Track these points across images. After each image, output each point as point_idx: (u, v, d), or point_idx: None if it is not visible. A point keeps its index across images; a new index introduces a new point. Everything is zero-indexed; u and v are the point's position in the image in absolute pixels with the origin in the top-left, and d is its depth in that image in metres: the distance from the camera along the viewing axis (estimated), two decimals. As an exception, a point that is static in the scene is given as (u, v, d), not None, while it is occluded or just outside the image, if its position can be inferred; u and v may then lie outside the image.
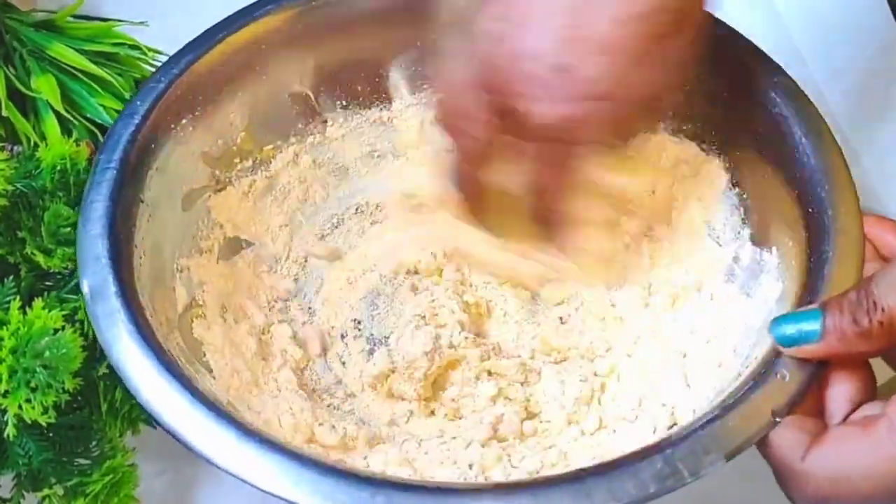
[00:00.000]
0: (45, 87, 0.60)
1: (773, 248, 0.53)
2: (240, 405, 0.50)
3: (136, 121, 0.53)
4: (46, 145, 0.52)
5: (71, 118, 0.60)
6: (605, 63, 0.45)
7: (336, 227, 0.61)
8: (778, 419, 0.43)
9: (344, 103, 0.62)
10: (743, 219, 0.56)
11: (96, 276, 0.47)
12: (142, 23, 0.64)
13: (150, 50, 0.63)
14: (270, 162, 0.60)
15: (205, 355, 0.51)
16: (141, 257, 0.50)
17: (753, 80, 0.54)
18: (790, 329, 0.44)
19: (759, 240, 0.54)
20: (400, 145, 0.63)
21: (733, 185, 0.56)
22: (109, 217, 0.49)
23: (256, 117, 0.59)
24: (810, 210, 0.50)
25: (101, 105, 0.60)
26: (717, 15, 0.56)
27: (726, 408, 0.44)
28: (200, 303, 0.54)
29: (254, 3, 0.58)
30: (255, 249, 0.59)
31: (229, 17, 0.57)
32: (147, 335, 0.46)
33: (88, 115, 0.61)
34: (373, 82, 0.62)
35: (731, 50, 0.56)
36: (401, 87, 0.62)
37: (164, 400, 0.44)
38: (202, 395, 0.44)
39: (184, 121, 0.55)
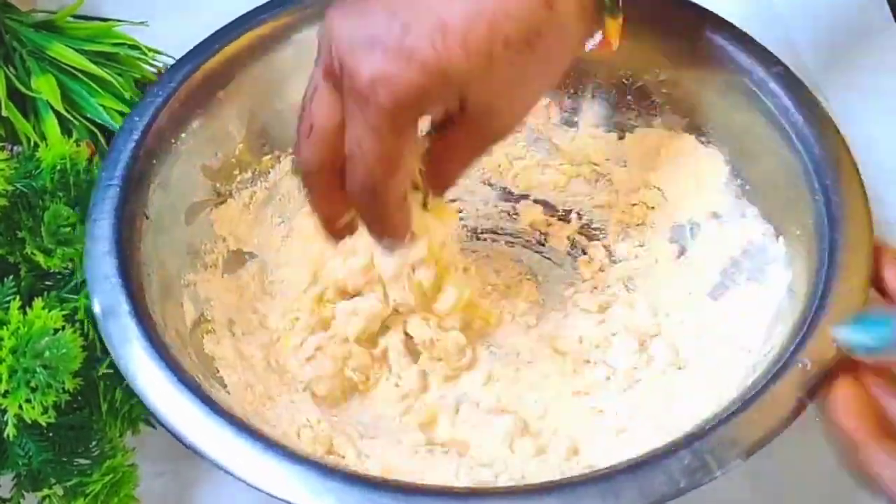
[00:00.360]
0: (45, 88, 0.59)
1: (780, 238, 0.53)
2: (255, 419, 0.49)
3: (136, 136, 0.52)
4: (46, 145, 0.52)
5: (71, 118, 0.59)
6: (442, 40, 0.44)
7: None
8: (805, 402, 0.43)
9: (340, 111, 0.61)
10: (745, 210, 0.56)
11: (107, 295, 0.47)
12: (142, 23, 0.64)
13: (150, 50, 0.63)
14: (269, 172, 0.59)
15: (217, 371, 0.51)
16: (150, 274, 0.49)
17: (750, 71, 0.55)
18: (859, 335, 0.43)
19: (764, 229, 0.54)
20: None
21: (735, 175, 0.57)
22: (115, 234, 0.49)
23: (254, 128, 0.58)
24: (816, 198, 0.51)
25: (102, 105, 0.60)
26: (716, 12, 0.56)
27: (749, 399, 0.44)
28: (209, 318, 0.53)
29: (248, 13, 0.58)
30: (259, 262, 0.58)
31: (224, 27, 0.57)
32: (162, 352, 0.46)
33: (88, 116, 0.60)
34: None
35: (727, 41, 0.56)
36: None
37: (185, 416, 0.44)
38: (222, 410, 0.44)
39: (183, 134, 0.54)
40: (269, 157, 0.59)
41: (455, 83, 0.45)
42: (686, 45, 0.57)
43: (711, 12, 0.57)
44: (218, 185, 0.57)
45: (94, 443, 0.49)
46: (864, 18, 0.70)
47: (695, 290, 0.58)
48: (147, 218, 0.51)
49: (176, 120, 0.54)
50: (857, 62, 0.70)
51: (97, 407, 0.49)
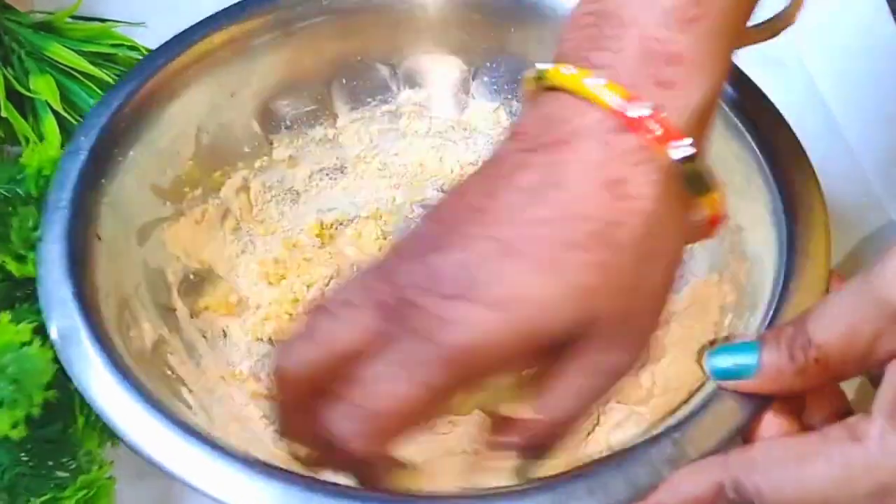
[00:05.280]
0: (43, 88, 0.59)
1: (741, 231, 0.53)
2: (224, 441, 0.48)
3: (83, 157, 0.51)
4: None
5: (70, 119, 0.59)
6: (506, 266, 0.37)
7: (291, 249, 0.60)
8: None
9: (288, 123, 0.61)
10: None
11: (64, 320, 0.45)
12: (140, 24, 0.64)
13: (148, 51, 0.62)
14: (220, 189, 0.58)
15: (181, 392, 0.49)
16: (107, 296, 0.48)
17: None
18: (725, 362, 0.42)
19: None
20: (347, 161, 0.62)
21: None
22: (68, 257, 0.47)
23: (202, 144, 0.57)
24: (772, 190, 0.51)
25: (100, 106, 0.59)
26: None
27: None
28: (168, 338, 0.52)
29: (190, 28, 0.57)
30: (214, 279, 0.57)
31: (165, 43, 0.56)
32: (125, 375, 0.44)
33: (87, 116, 0.59)
34: (315, 100, 0.61)
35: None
36: (342, 103, 0.62)
37: (153, 438, 0.42)
38: (193, 431, 0.43)
39: (130, 153, 0.53)
40: (218, 172, 0.58)
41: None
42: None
43: None
44: (168, 203, 0.56)
45: (70, 456, 0.47)
46: (866, 23, 0.71)
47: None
48: (100, 239, 0.50)
49: (122, 139, 0.53)
50: (859, 67, 0.71)
51: (74, 419, 0.48)
